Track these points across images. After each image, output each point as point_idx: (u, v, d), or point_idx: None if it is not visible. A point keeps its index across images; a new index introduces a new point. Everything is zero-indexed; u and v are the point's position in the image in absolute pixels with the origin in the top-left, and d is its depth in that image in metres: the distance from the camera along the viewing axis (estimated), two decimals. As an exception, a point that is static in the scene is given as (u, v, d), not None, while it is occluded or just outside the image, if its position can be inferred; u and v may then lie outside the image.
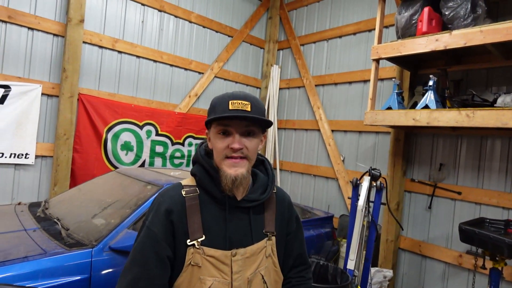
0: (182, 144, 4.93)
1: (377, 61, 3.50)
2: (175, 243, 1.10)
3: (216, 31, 5.25)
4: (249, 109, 1.10)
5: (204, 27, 5.11)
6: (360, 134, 4.65)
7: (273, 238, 1.24)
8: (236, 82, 5.57)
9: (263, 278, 1.20)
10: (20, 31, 3.60)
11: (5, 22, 3.50)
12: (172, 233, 1.10)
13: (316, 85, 5.29)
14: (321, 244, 3.69)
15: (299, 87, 5.58)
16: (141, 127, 4.47)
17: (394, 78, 4.00)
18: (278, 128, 5.77)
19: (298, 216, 1.41)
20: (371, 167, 3.06)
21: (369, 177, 2.97)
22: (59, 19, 3.82)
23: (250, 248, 1.16)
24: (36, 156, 3.73)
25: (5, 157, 3.51)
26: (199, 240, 1.10)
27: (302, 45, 5.57)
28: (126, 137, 4.34)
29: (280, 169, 5.69)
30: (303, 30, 5.59)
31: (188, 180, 1.22)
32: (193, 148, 5.05)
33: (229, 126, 1.11)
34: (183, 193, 1.16)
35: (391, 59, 3.58)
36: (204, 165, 1.18)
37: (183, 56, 4.88)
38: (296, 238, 1.35)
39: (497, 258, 2.59)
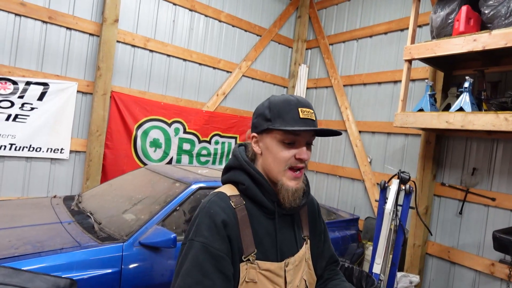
0: (209, 142, 5.01)
1: (409, 61, 3.39)
2: (233, 259, 1.01)
3: (245, 30, 5.27)
4: (314, 117, 1.07)
5: (233, 26, 5.14)
6: (388, 136, 4.54)
7: (309, 241, 1.24)
8: (264, 81, 5.58)
9: (305, 282, 1.19)
10: (59, 31, 3.78)
11: (46, 22, 3.69)
12: (230, 249, 1.01)
13: (344, 85, 5.20)
14: (346, 246, 3.64)
15: (326, 87, 5.51)
16: (169, 125, 4.58)
17: (427, 79, 3.87)
18: (303, 128, 5.72)
19: (322, 218, 1.40)
20: (400, 170, 2.98)
21: (398, 180, 2.90)
22: (95, 19, 3.98)
23: (297, 256, 1.14)
24: (71, 151, 3.91)
25: (43, 151, 3.71)
26: (253, 254, 1.03)
27: (331, 44, 5.49)
28: (155, 134, 4.46)
29: (305, 169, 5.64)
30: (332, 29, 5.51)
31: (228, 189, 1.12)
32: (219, 147, 5.11)
33: (300, 136, 1.05)
34: (232, 204, 1.06)
35: (424, 60, 3.46)
36: (251, 172, 1.09)
37: (212, 55, 4.95)
38: (326, 238, 1.33)
39: (535, 271, 2.46)
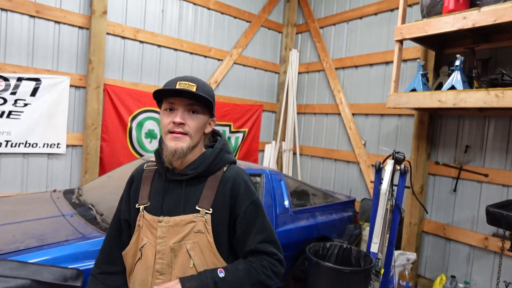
0: (204, 131, 5.00)
1: (400, 42, 3.41)
2: (130, 206, 1.34)
3: (235, 17, 5.22)
4: (194, 89, 1.19)
5: (222, 13, 5.09)
6: (382, 117, 4.58)
7: (208, 216, 1.21)
8: (255, 68, 5.57)
9: (188, 252, 1.21)
10: (47, 25, 3.72)
11: (33, 16, 3.63)
12: (128, 197, 1.36)
13: (336, 68, 5.21)
14: (343, 228, 3.73)
15: (318, 71, 5.52)
16: (164, 115, 4.56)
17: (418, 59, 3.89)
18: (297, 113, 5.75)
19: (257, 202, 1.29)
20: (394, 150, 3.03)
21: (393, 161, 2.95)
22: (83, 12, 3.91)
23: (174, 218, 1.22)
24: (67, 146, 3.91)
25: (39, 147, 3.71)
26: (144, 205, 1.28)
27: (322, 27, 5.46)
28: (149, 125, 4.45)
29: (300, 154, 5.70)
30: (322, 12, 5.47)
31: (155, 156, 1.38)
32: (214, 135, 5.12)
33: (173, 104, 1.21)
34: (145, 166, 1.38)
35: (416, 40, 3.47)
36: (158, 147, 1.31)
37: (202, 44, 4.91)
38: (249, 225, 1.25)
39: (525, 241, 2.55)
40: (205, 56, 4.97)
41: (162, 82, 4.60)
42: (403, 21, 3.43)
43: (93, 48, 3.87)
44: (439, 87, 3.45)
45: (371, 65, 4.73)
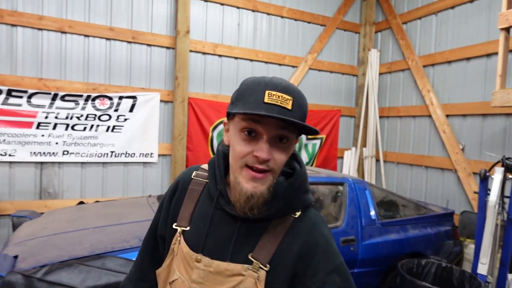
0: (281, 139, 5.01)
1: (506, 30, 2.94)
2: (168, 220, 1.03)
3: (308, 22, 5.17)
4: (290, 106, 0.82)
5: (296, 20, 5.08)
6: (484, 118, 4.01)
7: (262, 272, 0.88)
8: (332, 72, 5.40)
9: None
10: (141, 48, 4.19)
11: (130, 42, 4.12)
12: (168, 207, 1.04)
13: (424, 66, 4.75)
14: (440, 244, 3.32)
15: (403, 70, 5.10)
16: (242, 125, 4.71)
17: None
18: (380, 117, 5.39)
19: (342, 269, 0.90)
20: (504, 156, 2.60)
21: (503, 168, 2.53)
22: (169, 33, 4.30)
23: (217, 264, 0.90)
24: (158, 155, 4.32)
25: (136, 156, 4.18)
26: (183, 228, 0.98)
27: (405, 23, 5.05)
28: (229, 134, 4.63)
29: (385, 161, 5.31)
30: (404, 7, 5.07)
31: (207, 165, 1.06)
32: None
33: (259, 125, 0.82)
34: (193, 175, 1.03)
35: (526, 25, 2.97)
36: (216, 159, 0.98)
37: (277, 52, 4.96)
38: None
39: None
40: (280, 64, 5.00)
41: (241, 92, 4.75)
42: (510, 6, 2.96)
43: (179, 65, 4.20)
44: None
45: (467, 59, 4.19)
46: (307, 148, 5.22)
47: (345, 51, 5.52)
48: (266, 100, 0.81)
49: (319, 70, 5.29)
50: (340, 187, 3.07)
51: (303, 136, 5.11)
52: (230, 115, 0.90)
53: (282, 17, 4.98)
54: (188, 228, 0.97)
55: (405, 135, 5.04)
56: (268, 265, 0.88)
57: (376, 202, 3.19)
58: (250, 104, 0.82)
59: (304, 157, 5.21)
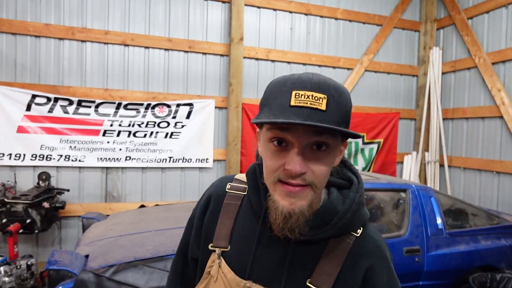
0: (335, 144, 4.89)
1: None
2: (201, 240, 0.90)
3: (364, 23, 5.01)
4: (323, 106, 0.67)
5: (350, 21, 4.95)
6: None
7: None
8: (389, 73, 5.17)
9: None
10: (197, 57, 4.34)
11: (187, 51, 4.30)
12: (200, 226, 0.91)
13: (493, 63, 4.35)
14: (518, 258, 2.99)
15: (468, 69, 4.72)
16: (295, 129, 4.67)
17: None
18: (443, 119, 5.02)
19: None
20: None
21: None
22: (223, 41, 4.42)
23: None
24: (213, 160, 4.42)
25: (193, 162, 4.32)
26: (222, 249, 0.85)
27: (470, 18, 4.68)
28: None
29: (449, 166, 4.92)
30: (469, 1, 4.71)
31: (243, 175, 0.93)
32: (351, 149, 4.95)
33: (287, 133, 0.69)
34: (228, 187, 0.90)
35: None
36: (257, 170, 0.86)
37: (330, 55, 4.87)
38: None
39: None
40: (334, 67, 4.90)
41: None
42: None
43: (232, 72, 4.29)
44: None
45: (547, 52, 3.76)
46: (363, 152, 5.02)
47: (404, 50, 5.26)
48: (293, 103, 0.68)
49: (376, 72, 5.09)
50: (403, 194, 2.92)
51: (359, 140, 4.93)
52: (258, 124, 0.76)
53: (336, 19, 4.88)
54: (228, 249, 0.84)
55: (473, 138, 4.64)
56: None
57: (443, 210, 2.97)
58: (275, 110, 0.69)
59: (361, 162, 5.02)
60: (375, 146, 5.06)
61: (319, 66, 4.82)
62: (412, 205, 2.82)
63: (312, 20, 4.78)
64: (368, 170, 5.03)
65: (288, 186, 0.71)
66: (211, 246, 0.86)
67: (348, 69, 4.95)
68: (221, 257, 0.84)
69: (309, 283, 0.77)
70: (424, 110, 5.10)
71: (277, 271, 0.79)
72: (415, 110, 5.32)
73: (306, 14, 4.73)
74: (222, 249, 0.84)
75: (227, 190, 0.90)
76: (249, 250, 0.81)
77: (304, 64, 4.75)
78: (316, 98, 0.67)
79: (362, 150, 5.00)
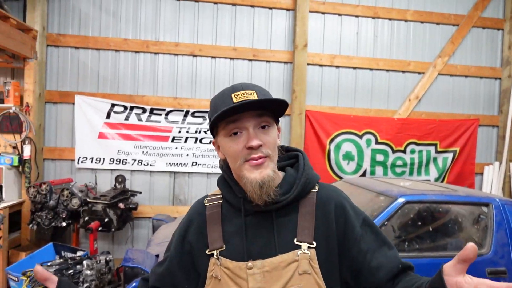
0: (404, 152, 4.59)
1: None
2: (194, 256, 1.03)
3: (437, 23, 4.67)
4: (255, 96, 0.91)
5: (422, 22, 4.65)
6: None
7: (312, 251, 0.94)
8: (466, 76, 4.73)
9: None
10: (261, 65, 4.40)
11: (251, 60, 4.37)
12: (189, 247, 1.05)
13: None
14: None
15: None
16: (360, 136, 4.49)
17: None
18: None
19: (367, 219, 1.01)
20: None
21: None
22: (287, 48, 4.42)
23: (270, 261, 0.93)
24: (276, 167, 4.39)
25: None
26: (219, 250, 0.98)
27: None
28: (347, 147, 4.46)
29: (540, 179, 4.33)
30: None
31: (215, 191, 1.11)
32: (416, 156, 4.60)
33: (239, 122, 0.92)
34: (205, 201, 1.07)
35: None
36: (224, 175, 1.05)
37: (400, 59, 4.61)
38: (374, 246, 0.97)
39: None
40: (403, 71, 4.62)
41: (358, 103, 4.55)
42: None
43: (296, 79, 4.26)
44: None
45: None
46: (436, 162, 4.63)
47: (484, 51, 4.79)
48: (234, 101, 0.90)
49: (451, 75, 4.70)
50: (484, 208, 2.67)
51: (432, 149, 4.58)
52: (214, 132, 1.00)
53: (406, 21, 4.62)
54: (224, 247, 0.99)
55: None
56: (314, 242, 0.94)
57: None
58: (227, 111, 0.90)
59: (433, 172, 4.64)
60: (450, 155, 4.64)
61: (387, 71, 4.59)
62: (496, 221, 2.58)
63: (380, 23, 4.58)
64: (442, 181, 4.63)
65: (252, 161, 0.92)
66: (208, 251, 0.99)
67: (419, 73, 4.63)
68: (220, 257, 0.98)
69: (297, 241, 0.95)
70: (509, 117, 4.57)
71: (269, 242, 0.96)
72: (498, 116, 4.79)
73: (373, 18, 4.55)
74: (219, 249, 0.98)
75: (205, 204, 1.07)
76: (242, 238, 0.97)
77: (370, 69, 4.56)
78: (248, 93, 0.92)
79: (435, 159, 4.62)
